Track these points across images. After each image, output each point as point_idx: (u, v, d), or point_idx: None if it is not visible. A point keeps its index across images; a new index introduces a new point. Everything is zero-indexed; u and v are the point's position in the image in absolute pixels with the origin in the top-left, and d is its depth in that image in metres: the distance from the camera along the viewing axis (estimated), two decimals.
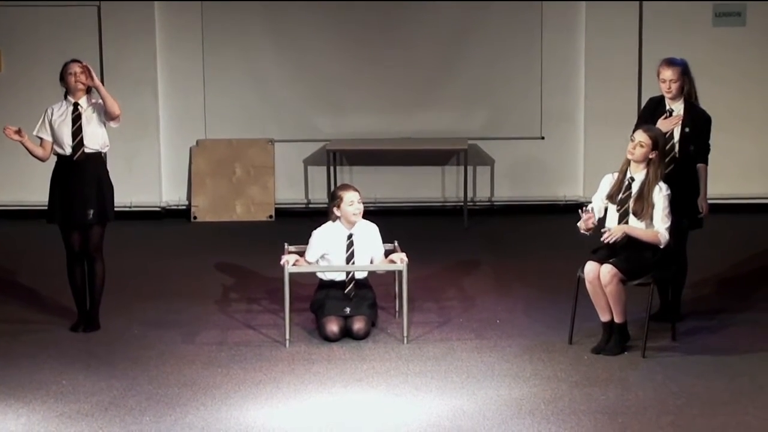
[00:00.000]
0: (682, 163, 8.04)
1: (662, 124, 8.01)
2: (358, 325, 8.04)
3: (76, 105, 8.18)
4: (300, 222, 11.04)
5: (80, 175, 8.17)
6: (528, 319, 8.50)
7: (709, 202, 8.21)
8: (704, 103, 8.22)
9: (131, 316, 8.64)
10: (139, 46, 12.08)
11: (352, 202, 8.17)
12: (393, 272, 8.43)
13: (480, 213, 12.27)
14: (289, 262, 8.01)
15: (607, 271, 7.48)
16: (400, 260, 8.06)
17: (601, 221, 7.72)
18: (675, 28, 11.88)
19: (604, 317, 7.67)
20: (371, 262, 8.26)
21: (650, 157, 7.59)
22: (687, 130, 8.04)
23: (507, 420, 6.58)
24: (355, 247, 8.18)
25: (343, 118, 12.30)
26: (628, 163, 7.67)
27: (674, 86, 8.02)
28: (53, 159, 8.28)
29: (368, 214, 8.53)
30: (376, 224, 8.37)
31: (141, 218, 12.04)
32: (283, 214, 12.23)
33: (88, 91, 8.21)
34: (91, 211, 8.17)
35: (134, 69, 12.03)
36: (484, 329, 8.27)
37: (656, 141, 7.61)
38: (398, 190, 12.32)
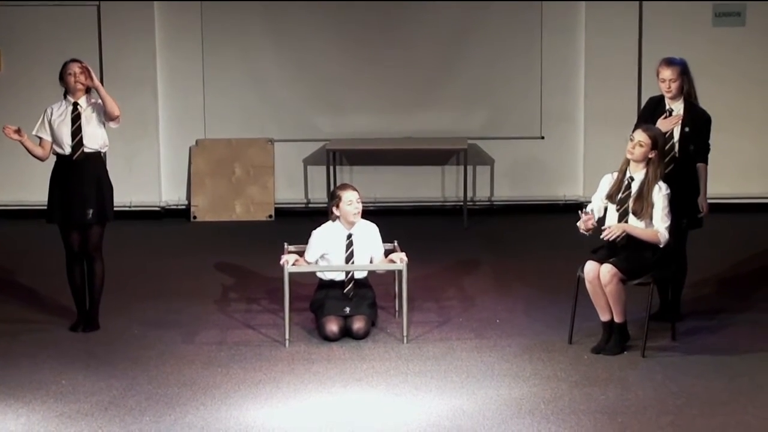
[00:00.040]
0: (682, 163, 8.04)
1: (662, 124, 8.01)
2: (358, 324, 8.04)
3: (75, 105, 8.18)
4: (300, 222, 11.05)
5: (80, 175, 8.17)
6: (528, 318, 8.50)
7: (709, 201, 8.21)
8: (704, 103, 8.22)
9: (131, 315, 8.64)
10: (138, 45, 12.08)
11: (351, 202, 8.17)
12: (393, 272, 8.43)
13: (480, 213, 12.27)
14: (289, 261, 8.01)
15: (607, 270, 7.48)
16: (400, 260, 8.06)
17: (601, 221, 7.71)
18: (675, 28, 11.89)
19: (604, 317, 7.67)
20: (371, 262, 8.26)
21: (650, 156, 7.59)
22: (687, 129, 8.04)
23: (507, 419, 6.58)
24: (355, 246, 8.18)
25: (343, 117, 12.30)
26: (627, 162, 7.67)
27: (674, 86, 8.02)
28: (52, 159, 8.27)
29: (368, 214, 8.53)
30: (376, 224, 8.37)
31: (140, 218, 12.04)
32: (283, 213, 12.23)
33: (88, 90, 8.21)
34: (91, 211, 8.17)
35: (134, 69, 12.04)
36: (484, 329, 8.27)
37: (656, 140, 7.61)
38: (398, 189, 12.32)
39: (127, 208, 11.92)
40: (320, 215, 8.98)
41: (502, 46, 12.20)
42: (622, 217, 7.61)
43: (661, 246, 7.57)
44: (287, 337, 7.92)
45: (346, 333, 8.05)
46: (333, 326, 8.01)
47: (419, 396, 6.97)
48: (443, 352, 7.78)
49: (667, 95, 8.09)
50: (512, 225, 11.80)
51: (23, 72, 11.98)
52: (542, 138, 12.31)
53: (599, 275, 7.51)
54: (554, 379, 7.21)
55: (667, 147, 7.93)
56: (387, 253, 8.33)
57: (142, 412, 6.76)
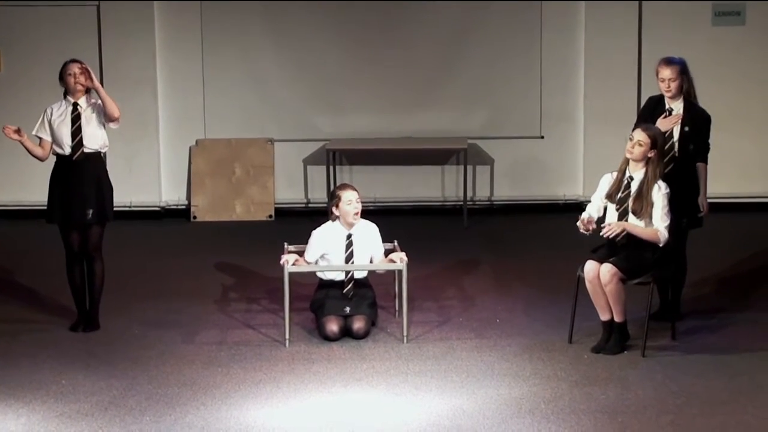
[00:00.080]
0: (681, 162, 8.04)
1: (662, 123, 8.01)
2: (358, 324, 8.04)
3: (75, 105, 8.18)
4: (299, 222, 11.06)
5: (79, 175, 8.17)
6: (528, 318, 8.50)
7: (709, 201, 8.21)
8: (704, 103, 8.22)
9: (131, 315, 8.64)
10: (138, 45, 12.08)
11: (350, 201, 8.17)
12: (393, 272, 8.42)
13: (480, 212, 12.27)
14: (289, 261, 8.01)
15: (607, 270, 7.48)
16: (400, 260, 8.06)
17: (601, 220, 7.71)
18: (674, 28, 11.89)
19: (604, 316, 7.67)
20: (371, 262, 8.26)
21: (649, 156, 7.59)
22: (686, 129, 8.04)
23: (507, 419, 6.58)
24: (355, 246, 8.18)
25: (343, 117, 12.30)
26: (627, 162, 7.67)
27: (673, 85, 8.02)
28: (52, 159, 8.27)
29: (368, 214, 8.53)
30: (376, 224, 8.37)
31: (140, 218, 12.05)
32: (283, 213, 12.24)
33: (88, 90, 8.21)
34: (91, 211, 8.17)
35: (133, 69, 12.04)
36: (484, 328, 8.27)
37: (655, 140, 7.61)
38: (398, 189, 12.33)
39: (127, 208, 11.92)
40: (320, 215, 8.98)
41: (502, 46, 12.20)
42: (622, 216, 7.61)
43: (661, 245, 7.57)
44: (287, 336, 7.92)
45: (346, 333, 8.06)
46: (333, 326, 8.01)
47: (419, 396, 6.97)
48: (443, 351, 7.78)
49: (666, 95, 8.09)
50: (512, 225, 11.80)
51: (23, 72, 11.98)
52: (542, 138, 12.31)
53: (599, 275, 7.51)
54: (554, 378, 7.21)
55: (666, 146, 7.93)
56: (387, 252, 8.33)
57: (142, 412, 6.76)
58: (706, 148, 8.15)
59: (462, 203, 11.97)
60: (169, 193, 12.41)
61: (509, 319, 8.47)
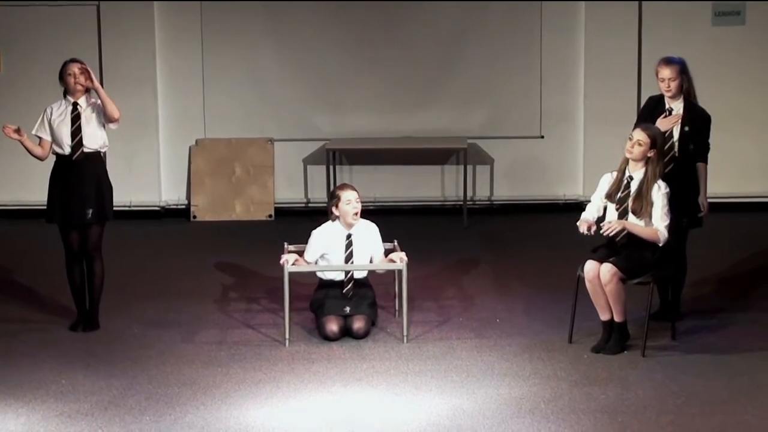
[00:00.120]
0: (681, 162, 8.04)
1: (662, 123, 8.01)
2: (358, 324, 8.04)
3: (75, 105, 8.17)
4: (299, 221, 11.06)
5: (79, 175, 8.16)
6: (528, 318, 8.50)
7: (709, 201, 8.21)
8: (704, 103, 8.22)
9: (131, 315, 8.64)
10: (138, 45, 12.08)
11: (349, 201, 8.16)
12: (393, 271, 8.42)
13: (479, 212, 12.27)
14: (289, 261, 8.00)
15: (607, 270, 7.48)
16: (400, 259, 8.06)
17: (600, 221, 7.71)
18: (674, 28, 11.89)
19: (604, 316, 7.66)
20: (371, 262, 8.25)
21: (649, 155, 7.59)
22: (686, 128, 8.04)
23: (507, 419, 6.58)
24: (354, 246, 8.18)
25: (343, 117, 12.30)
26: (626, 161, 7.67)
27: (673, 85, 8.02)
28: (52, 158, 8.27)
29: (368, 214, 8.53)
30: (376, 223, 8.37)
31: (140, 218, 12.05)
32: (283, 213, 12.24)
33: (88, 90, 8.20)
34: (90, 211, 8.17)
35: (133, 68, 12.04)
36: (484, 328, 8.27)
37: (654, 139, 7.61)
38: (398, 189, 12.33)
39: (127, 208, 11.93)
40: (320, 215, 8.98)
41: (502, 46, 12.20)
42: (622, 216, 7.61)
43: (661, 245, 7.56)
44: (287, 336, 7.92)
45: (346, 332, 8.05)
46: (333, 326, 8.01)
47: (419, 395, 6.97)
48: (443, 351, 7.78)
49: (666, 94, 8.09)
50: (512, 224, 11.80)
51: (23, 72, 11.98)
52: (542, 137, 12.31)
53: (599, 274, 7.51)
54: (554, 378, 7.21)
55: (666, 146, 7.93)
56: (387, 252, 8.33)
57: (142, 411, 6.76)
58: (706, 148, 8.14)
59: (462, 203, 11.97)
60: (169, 193, 12.41)
61: (509, 319, 8.47)
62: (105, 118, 8.16)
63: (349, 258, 8.16)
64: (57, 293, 8.94)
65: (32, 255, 10.45)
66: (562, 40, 12.17)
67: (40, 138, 8.23)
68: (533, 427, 6.46)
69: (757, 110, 12.13)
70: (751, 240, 10.75)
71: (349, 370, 7.43)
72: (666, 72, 8.03)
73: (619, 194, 7.64)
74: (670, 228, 7.57)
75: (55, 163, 8.26)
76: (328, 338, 7.99)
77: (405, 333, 7.97)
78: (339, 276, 8.19)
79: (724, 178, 11.44)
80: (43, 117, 8.22)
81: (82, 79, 8.12)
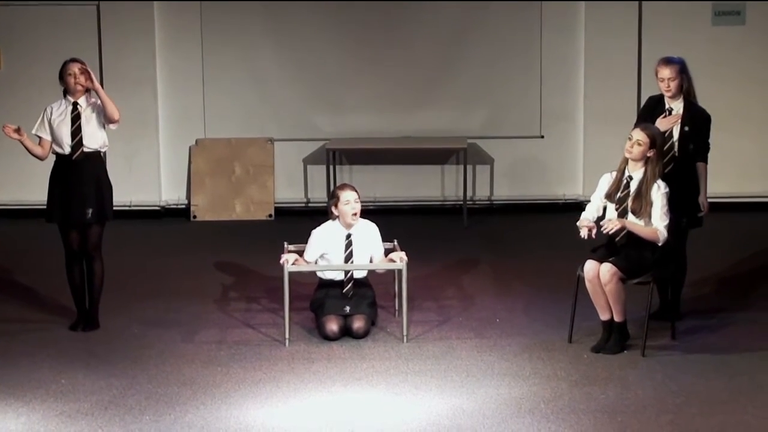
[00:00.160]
0: (681, 162, 8.04)
1: (661, 123, 8.01)
2: (358, 323, 8.04)
3: (75, 104, 8.17)
4: (299, 221, 11.05)
5: (79, 175, 8.16)
6: (527, 317, 8.50)
7: (709, 200, 8.21)
8: (703, 102, 8.22)
9: (130, 315, 8.64)
10: (138, 45, 12.08)
11: (348, 202, 8.16)
12: (392, 271, 8.42)
13: (479, 212, 12.27)
14: (289, 261, 8.00)
15: (607, 269, 7.48)
16: (400, 259, 8.06)
17: (600, 221, 7.71)
18: (674, 28, 11.89)
19: (604, 316, 7.67)
20: (371, 261, 8.25)
21: (648, 155, 7.59)
22: (686, 128, 8.04)
23: (506, 419, 6.58)
24: (354, 246, 8.18)
25: (343, 117, 12.30)
26: (626, 161, 7.67)
27: (673, 84, 8.02)
28: (52, 158, 8.27)
29: (368, 213, 8.54)
30: (376, 223, 8.37)
31: (140, 217, 12.05)
32: (283, 213, 12.24)
33: (88, 90, 8.20)
34: (90, 210, 8.17)
35: (133, 68, 12.04)
36: (484, 328, 8.27)
37: (654, 139, 7.61)
38: (398, 189, 12.33)
39: (127, 208, 11.93)
40: (320, 214, 8.98)
41: (502, 46, 12.20)
42: (621, 216, 7.61)
43: (660, 244, 7.56)
44: (287, 336, 7.92)
45: (346, 332, 8.05)
46: (333, 325, 8.01)
47: (419, 395, 6.97)
48: (443, 351, 7.78)
49: (666, 94, 8.09)
50: (512, 224, 11.80)
51: (23, 71, 11.98)
52: (542, 137, 12.31)
53: (599, 274, 7.51)
54: (554, 378, 7.21)
55: (666, 146, 7.93)
56: (387, 252, 8.33)
57: (142, 411, 6.76)
58: (706, 148, 8.14)
59: (462, 203, 11.97)
60: (169, 193, 12.41)
61: (509, 319, 8.47)
62: (105, 118, 8.16)
63: (348, 258, 8.17)
64: (57, 293, 8.94)
65: (32, 255, 10.45)
66: (562, 40, 12.17)
67: (39, 137, 8.23)
68: (533, 427, 6.46)
69: (756, 110, 12.13)
70: (751, 240, 10.75)
71: (349, 369, 7.43)
72: (665, 72, 8.03)
73: (618, 194, 7.64)
74: (670, 228, 7.57)
75: (55, 162, 8.26)
76: (328, 338, 7.99)
77: (405, 333, 7.97)
78: (339, 276, 8.19)
79: (724, 178, 11.44)
80: (43, 116, 8.21)
81: (82, 79, 8.12)
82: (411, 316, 8.19)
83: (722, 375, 7.20)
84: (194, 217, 12.26)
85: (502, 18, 12.16)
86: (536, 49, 12.18)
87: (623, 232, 7.58)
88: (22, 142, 8.18)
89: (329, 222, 8.27)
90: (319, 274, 8.25)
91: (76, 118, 8.15)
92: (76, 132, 8.14)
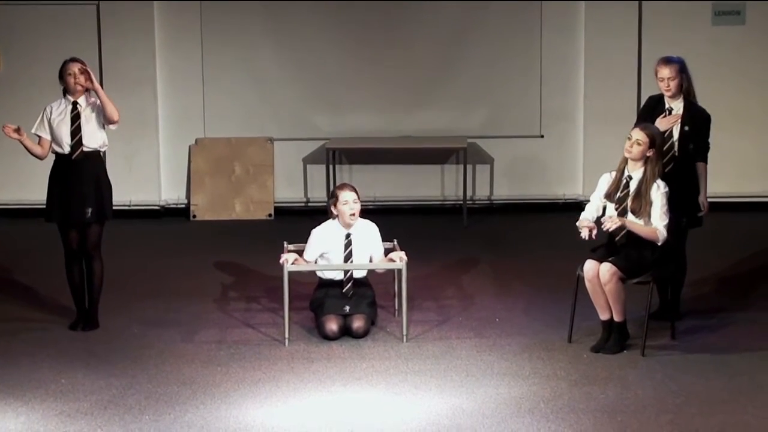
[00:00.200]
0: (681, 162, 8.04)
1: (661, 123, 8.01)
2: (358, 323, 8.04)
3: (75, 104, 8.17)
4: (299, 221, 11.05)
5: (79, 174, 8.16)
6: (527, 317, 8.50)
7: (709, 200, 8.21)
8: (703, 102, 8.22)
9: (130, 314, 8.64)
10: (138, 45, 12.08)
11: (346, 202, 8.15)
12: (392, 271, 8.42)
13: (479, 211, 12.27)
14: (288, 260, 8.00)
15: (607, 269, 7.48)
16: (400, 259, 8.06)
17: (599, 221, 7.71)
18: (674, 28, 11.89)
19: (604, 316, 7.66)
20: (370, 261, 8.25)
21: (648, 155, 7.59)
22: (686, 128, 8.04)
23: (506, 418, 6.58)
24: (354, 246, 8.18)
25: (343, 116, 12.30)
26: (625, 161, 7.67)
27: (672, 84, 8.03)
28: (52, 157, 8.27)
29: (367, 213, 8.54)
30: (375, 223, 8.36)
31: (140, 217, 12.05)
32: (283, 212, 12.24)
33: (87, 89, 8.20)
34: (90, 210, 8.16)
35: (133, 68, 12.04)
36: (484, 328, 8.27)
37: (653, 139, 7.61)
38: (397, 188, 12.32)
39: (126, 207, 11.92)
40: (320, 214, 8.97)
41: (502, 46, 12.20)
42: (621, 215, 7.61)
43: (660, 244, 7.57)
44: (287, 335, 7.92)
45: (346, 332, 8.05)
46: (332, 325, 8.01)
47: (419, 395, 6.97)
48: (443, 350, 7.78)
49: (666, 94, 8.09)
50: (512, 224, 11.80)
51: (23, 71, 11.98)
52: (542, 137, 12.31)
53: (599, 274, 7.51)
54: (554, 377, 7.21)
55: (666, 146, 7.93)
56: (386, 252, 8.33)
57: (142, 410, 6.76)
58: (706, 148, 8.14)
59: (462, 202, 11.97)
60: (169, 192, 12.41)
61: (509, 319, 8.47)
62: (104, 119, 8.16)
63: (348, 257, 8.16)
64: (57, 293, 8.94)
65: (32, 254, 10.45)
66: (562, 40, 12.17)
67: (39, 137, 8.23)
68: (533, 427, 6.46)
69: (756, 110, 12.13)
70: (751, 240, 10.75)
71: (349, 369, 7.43)
72: (665, 71, 8.03)
73: (618, 194, 7.64)
74: (669, 227, 7.57)
75: (55, 162, 8.25)
76: (327, 337, 7.99)
77: (404, 332, 7.97)
78: (338, 275, 8.19)
79: (723, 178, 11.44)
80: (42, 116, 8.21)
81: (82, 79, 8.11)
82: (411, 316, 8.19)
83: (722, 375, 7.20)
84: (194, 216, 12.26)
85: (502, 18, 12.16)
86: (536, 49, 12.18)
87: (623, 232, 7.58)
88: (21, 142, 8.17)
89: (329, 221, 8.27)
90: (318, 273, 8.25)
91: (75, 117, 8.15)
92: (76, 131, 8.14)
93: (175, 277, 9.76)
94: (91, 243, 8.25)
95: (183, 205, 12.38)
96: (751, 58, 12.05)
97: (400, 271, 8.05)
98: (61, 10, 12.02)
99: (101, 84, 8.20)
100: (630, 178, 7.63)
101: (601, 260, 7.55)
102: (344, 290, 8.16)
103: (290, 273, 7.93)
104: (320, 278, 8.27)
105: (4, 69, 12.11)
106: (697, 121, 8.06)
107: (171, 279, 9.71)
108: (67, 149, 8.14)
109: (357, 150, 12.22)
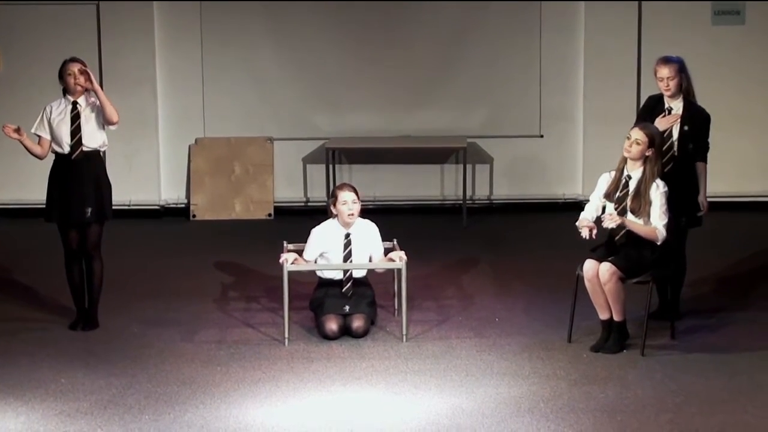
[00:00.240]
0: (681, 162, 8.04)
1: (661, 123, 8.01)
2: (357, 323, 8.04)
3: (75, 104, 8.17)
4: (299, 220, 11.04)
5: (78, 174, 8.16)
6: (527, 317, 8.50)
7: (709, 200, 8.21)
8: (703, 102, 8.22)
9: (130, 314, 8.64)
10: (138, 45, 12.08)
11: (345, 202, 8.15)
12: (392, 270, 8.42)
13: (479, 211, 12.27)
14: (288, 260, 8.00)
15: (606, 269, 7.48)
16: (399, 258, 8.06)
17: (599, 221, 7.71)
18: (674, 28, 11.89)
19: (603, 315, 7.67)
20: (370, 261, 8.25)
21: (647, 154, 7.59)
22: (686, 128, 8.04)
23: (506, 418, 6.58)
24: (353, 246, 8.18)
25: (343, 116, 12.30)
26: (624, 161, 7.67)
27: (672, 83, 8.03)
28: (51, 157, 8.27)
29: (367, 213, 8.54)
30: (375, 222, 8.36)
31: (140, 217, 12.05)
32: (282, 212, 12.24)
33: (87, 89, 8.20)
34: (89, 210, 8.16)
35: (133, 68, 12.04)
36: (483, 327, 8.27)
37: (652, 138, 7.61)
38: (397, 188, 12.33)
39: (126, 207, 11.93)
40: (319, 214, 8.97)
41: (502, 46, 12.20)
42: (620, 215, 7.61)
43: (659, 243, 7.57)
44: (286, 335, 7.92)
45: (346, 331, 8.05)
46: (332, 325, 8.01)
47: (418, 394, 6.97)
48: (442, 350, 7.78)
49: (666, 93, 8.09)
50: (511, 224, 11.80)
51: (23, 71, 11.98)
52: (541, 137, 12.31)
53: (598, 274, 7.51)
54: (553, 377, 7.21)
55: (666, 146, 7.93)
56: (386, 251, 8.34)
57: (142, 410, 6.76)
58: (706, 147, 8.15)
59: (461, 202, 11.97)
60: (169, 192, 12.41)
61: (508, 318, 8.47)
62: (104, 120, 8.16)
63: (347, 257, 8.17)
64: (56, 292, 8.94)
65: (32, 254, 10.45)
66: (562, 39, 12.17)
67: (39, 137, 8.23)
68: (532, 426, 6.46)
69: (756, 110, 12.13)
70: (751, 240, 10.75)
71: (349, 369, 7.43)
72: (664, 71, 8.03)
73: (617, 193, 7.65)
74: (669, 227, 7.57)
75: (55, 162, 8.25)
76: (327, 337, 7.99)
77: (404, 332, 7.97)
78: (338, 275, 8.19)
79: (723, 178, 11.44)
80: (42, 115, 8.21)
81: (81, 79, 8.11)
82: (410, 316, 8.19)
83: (722, 374, 7.20)
84: (194, 216, 12.26)
85: (501, 18, 12.16)
86: (536, 48, 12.18)
87: (622, 231, 7.58)
88: (21, 142, 8.17)
89: (329, 221, 8.27)
90: (318, 273, 8.26)
91: (75, 117, 8.15)
92: (76, 131, 8.14)
93: (175, 277, 9.76)
94: (91, 243, 8.25)
95: (183, 205, 12.38)
96: (750, 58, 12.05)
97: (399, 270, 8.05)
98: (61, 10, 12.02)
99: (101, 84, 8.22)
100: (629, 177, 7.63)
101: (600, 260, 7.55)
102: (344, 290, 8.16)
103: (290, 273, 7.93)
104: (320, 278, 8.27)
105: (4, 69, 12.12)
106: (696, 120, 8.06)
107: (171, 279, 9.71)
108: (66, 149, 8.14)
109: (357, 150, 12.22)
